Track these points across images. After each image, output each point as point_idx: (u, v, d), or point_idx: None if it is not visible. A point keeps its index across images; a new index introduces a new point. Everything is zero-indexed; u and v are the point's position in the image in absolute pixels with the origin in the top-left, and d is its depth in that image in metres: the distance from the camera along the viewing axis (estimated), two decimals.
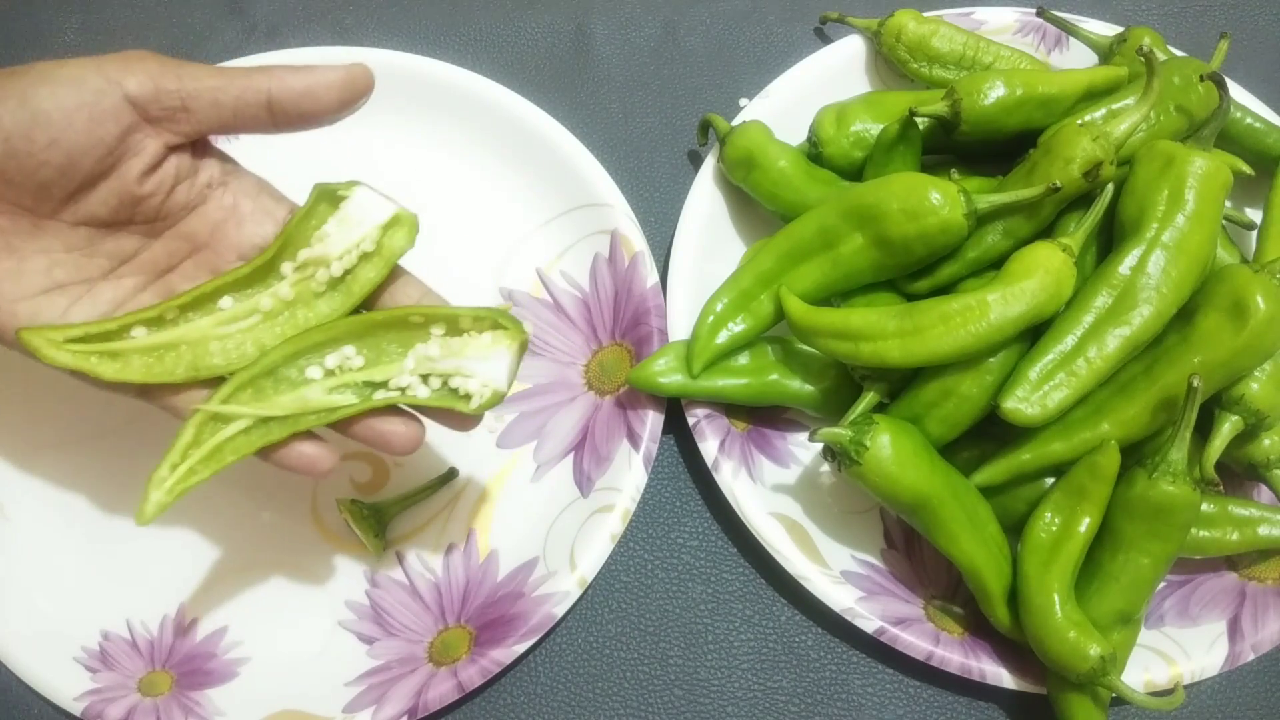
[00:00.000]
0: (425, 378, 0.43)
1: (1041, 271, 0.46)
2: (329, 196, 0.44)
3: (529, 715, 0.51)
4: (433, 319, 0.44)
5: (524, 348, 0.44)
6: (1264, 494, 0.54)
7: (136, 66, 0.41)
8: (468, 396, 0.43)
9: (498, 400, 0.43)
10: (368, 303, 0.45)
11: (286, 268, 0.44)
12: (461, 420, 0.45)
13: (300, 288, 0.44)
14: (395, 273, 0.45)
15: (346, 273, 0.44)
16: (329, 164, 0.56)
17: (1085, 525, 0.46)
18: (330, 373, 0.43)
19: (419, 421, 0.45)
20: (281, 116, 0.42)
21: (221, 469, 0.42)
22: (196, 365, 0.43)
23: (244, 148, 0.59)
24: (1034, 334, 0.48)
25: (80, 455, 0.54)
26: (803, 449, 0.55)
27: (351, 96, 0.43)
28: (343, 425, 0.44)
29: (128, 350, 0.42)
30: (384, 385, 0.43)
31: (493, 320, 0.43)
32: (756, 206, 0.57)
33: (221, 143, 0.59)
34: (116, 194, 0.42)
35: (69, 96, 0.39)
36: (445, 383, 0.43)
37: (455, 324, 0.44)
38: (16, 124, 0.39)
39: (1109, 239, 0.50)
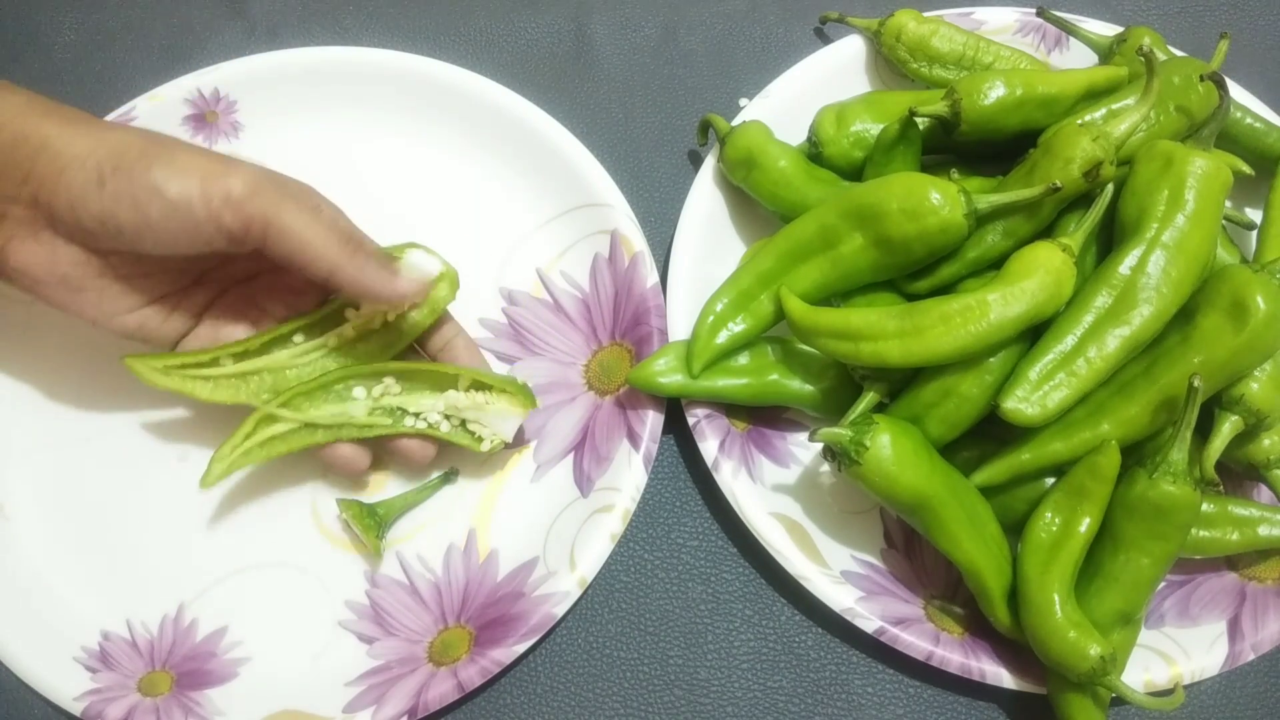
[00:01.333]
0: (448, 418, 0.51)
1: (1041, 271, 0.46)
2: (387, 256, 0.50)
3: (529, 715, 0.51)
4: (463, 374, 0.51)
5: (530, 411, 0.51)
6: (1264, 494, 0.54)
7: (236, 201, 0.44)
8: (480, 440, 0.51)
9: (502, 448, 0.52)
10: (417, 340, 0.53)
11: (350, 313, 0.51)
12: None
13: (360, 329, 0.51)
14: (441, 316, 0.52)
15: (399, 317, 0.51)
16: (332, 163, 0.57)
17: (1085, 525, 0.46)
18: (372, 396, 0.51)
19: (434, 442, 0.52)
20: (334, 289, 0.48)
21: (271, 458, 0.49)
22: (276, 389, 0.50)
23: (253, 146, 0.59)
24: (1034, 334, 0.48)
25: (80, 455, 0.54)
26: (803, 449, 0.55)
27: (399, 304, 0.50)
28: (375, 441, 0.51)
29: (217, 375, 0.50)
30: (415, 415, 0.51)
31: (510, 386, 0.51)
32: (756, 206, 0.57)
33: (228, 138, 0.60)
34: (208, 259, 0.50)
35: (175, 219, 0.44)
36: (464, 424, 0.51)
37: (481, 382, 0.51)
38: (131, 225, 0.44)
39: (1109, 239, 0.50)
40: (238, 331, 0.51)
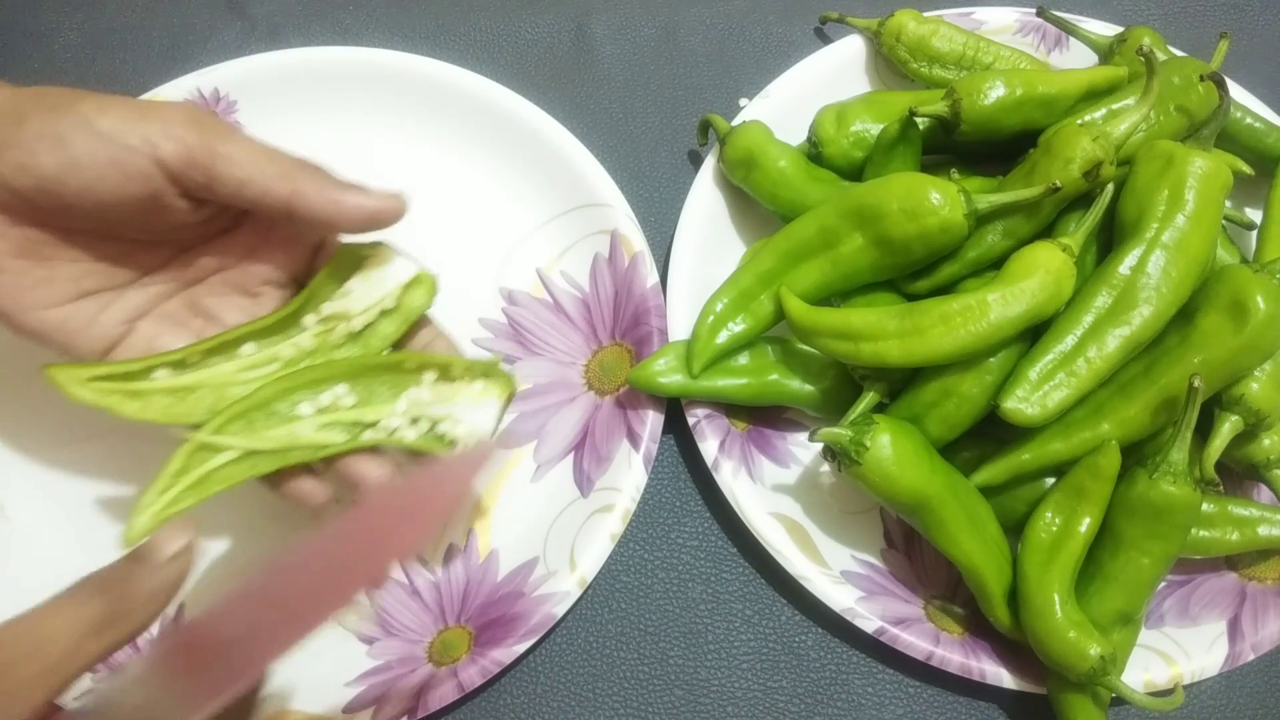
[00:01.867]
0: (414, 420, 0.45)
1: (1041, 271, 0.46)
2: (354, 255, 0.45)
3: (529, 715, 0.51)
4: (426, 365, 0.45)
5: (511, 399, 0.46)
6: (1264, 494, 0.54)
7: (176, 132, 0.40)
8: (453, 442, 0.45)
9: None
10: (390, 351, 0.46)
11: (309, 319, 0.45)
12: None
13: (321, 339, 0.45)
14: (420, 319, 0.46)
15: (366, 326, 0.45)
16: (331, 163, 0.57)
17: (1085, 525, 0.46)
18: (322, 410, 0.44)
19: (393, 467, 0.46)
20: (300, 222, 0.42)
21: (207, 497, 0.43)
22: (216, 409, 0.44)
23: None
24: (1034, 334, 0.48)
25: (80, 455, 0.54)
26: (803, 449, 0.55)
27: (375, 227, 0.43)
28: (326, 461, 0.45)
29: (150, 390, 0.43)
30: (373, 425, 0.44)
31: (483, 370, 0.45)
32: (756, 206, 0.57)
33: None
34: (148, 229, 0.43)
35: (103, 151, 0.39)
36: (433, 427, 0.45)
37: (447, 371, 0.45)
38: (53, 166, 0.39)
39: (1109, 239, 0.50)
40: (178, 343, 0.45)
